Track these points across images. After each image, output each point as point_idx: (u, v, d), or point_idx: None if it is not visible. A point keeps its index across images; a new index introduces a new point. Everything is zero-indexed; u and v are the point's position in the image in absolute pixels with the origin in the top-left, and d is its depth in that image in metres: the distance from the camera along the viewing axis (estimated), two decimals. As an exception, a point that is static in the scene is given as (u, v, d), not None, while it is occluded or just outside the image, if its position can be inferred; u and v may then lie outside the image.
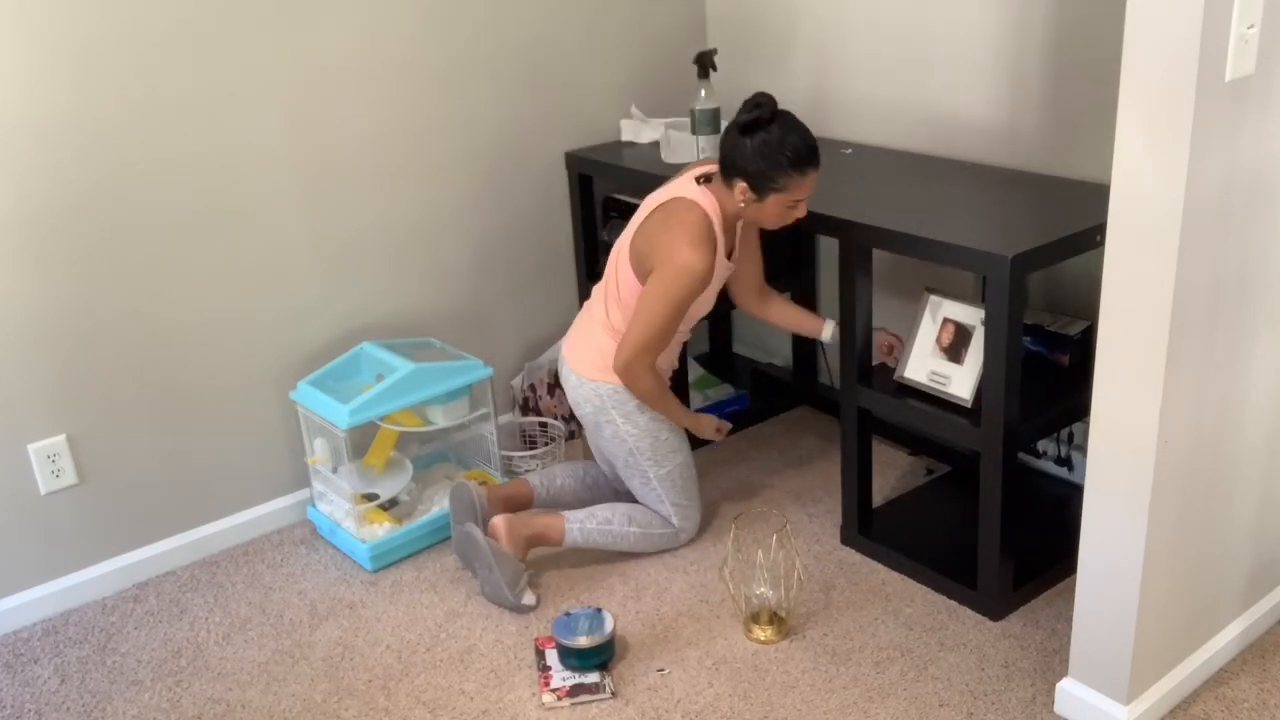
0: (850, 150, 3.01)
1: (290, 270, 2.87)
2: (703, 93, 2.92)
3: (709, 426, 2.80)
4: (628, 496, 2.83)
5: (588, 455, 2.97)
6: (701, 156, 2.91)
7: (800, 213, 2.48)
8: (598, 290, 2.72)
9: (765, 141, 2.39)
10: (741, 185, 2.45)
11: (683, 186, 2.56)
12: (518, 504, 2.76)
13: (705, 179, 2.58)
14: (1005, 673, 2.32)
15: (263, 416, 2.93)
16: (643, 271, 2.55)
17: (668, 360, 2.71)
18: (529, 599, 2.58)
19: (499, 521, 2.59)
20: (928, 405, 2.50)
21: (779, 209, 2.46)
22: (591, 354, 2.65)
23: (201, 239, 2.72)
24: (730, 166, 2.45)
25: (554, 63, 3.18)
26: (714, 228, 2.52)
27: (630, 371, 2.56)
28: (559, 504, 2.80)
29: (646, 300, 2.50)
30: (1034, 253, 2.24)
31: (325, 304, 2.96)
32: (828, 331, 2.77)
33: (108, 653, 2.56)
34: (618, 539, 2.69)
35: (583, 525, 2.66)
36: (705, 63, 2.89)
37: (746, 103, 2.44)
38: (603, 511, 2.69)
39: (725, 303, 3.16)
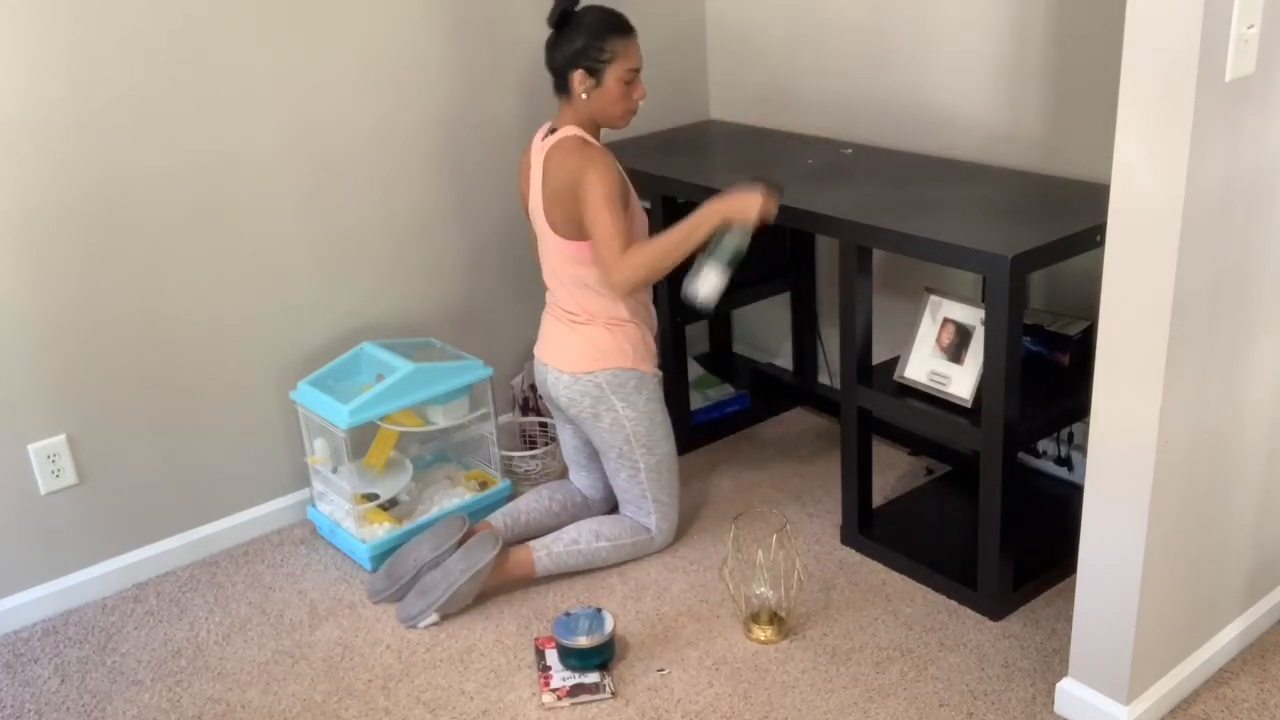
0: (850, 150, 3.01)
1: (290, 270, 2.88)
2: None
3: (752, 194, 2.41)
4: (600, 509, 2.85)
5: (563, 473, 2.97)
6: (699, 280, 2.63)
7: (640, 93, 2.56)
8: (550, 297, 2.71)
9: (579, 21, 2.51)
10: (578, 75, 2.51)
11: (539, 146, 2.61)
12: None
13: (550, 130, 2.62)
14: (1005, 673, 2.32)
15: (263, 416, 2.93)
16: (570, 224, 2.53)
17: (644, 305, 2.69)
18: (431, 619, 2.57)
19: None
20: (928, 405, 2.50)
21: (618, 89, 2.52)
22: (575, 349, 2.63)
23: (201, 239, 2.72)
24: (562, 65, 2.53)
25: (554, 63, 3.18)
26: (590, 138, 2.57)
27: (625, 270, 2.43)
28: (526, 538, 2.75)
29: (591, 216, 2.45)
30: (1034, 253, 2.24)
31: (325, 304, 2.96)
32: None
33: (108, 653, 2.56)
34: (589, 557, 2.68)
35: (549, 550, 2.64)
36: None
37: (550, 12, 2.54)
38: (569, 533, 2.68)
39: (725, 303, 3.17)
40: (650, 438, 2.67)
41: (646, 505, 2.72)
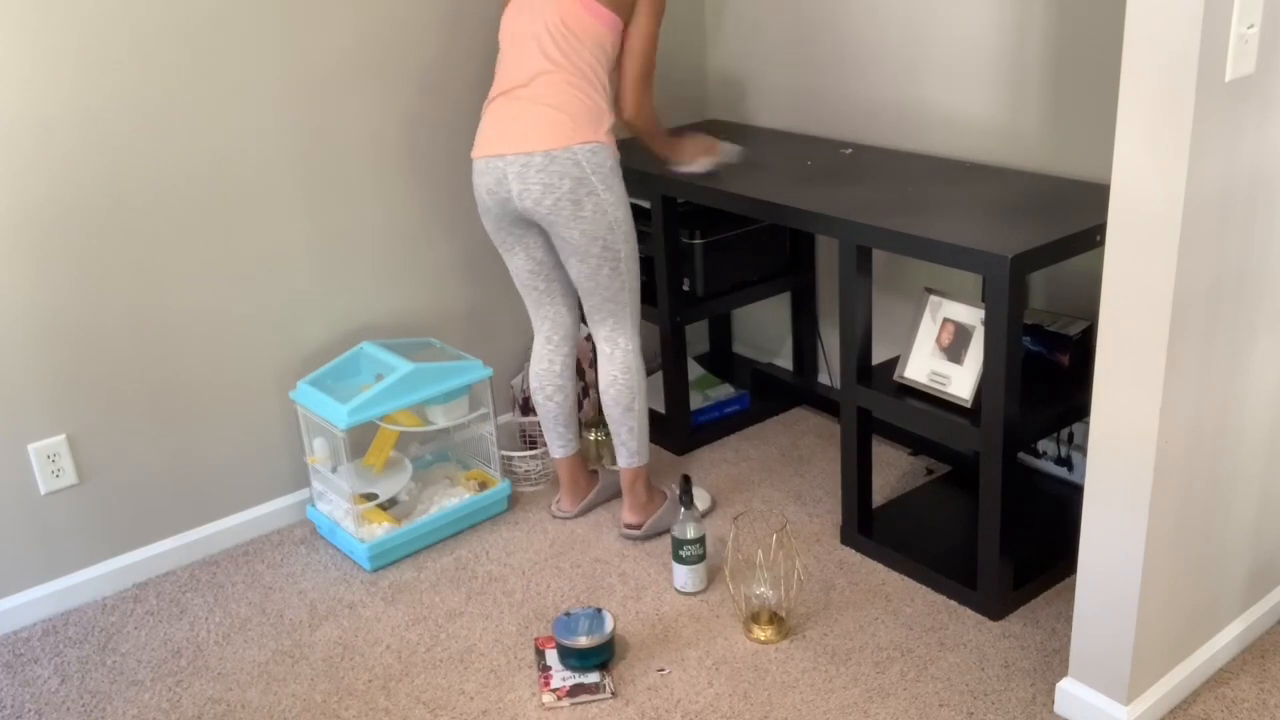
0: (850, 150, 3.01)
1: (290, 270, 2.87)
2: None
3: (697, 147, 2.88)
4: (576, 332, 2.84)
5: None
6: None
7: None
8: (514, 81, 2.50)
9: None
10: None
11: None
12: (581, 475, 2.94)
13: None
14: (1005, 673, 2.32)
15: (262, 416, 2.93)
16: (617, 3, 2.50)
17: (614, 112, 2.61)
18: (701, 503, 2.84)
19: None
20: (928, 405, 2.50)
21: None
22: (553, 125, 2.44)
23: (201, 238, 2.72)
24: None
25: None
26: None
27: (643, 106, 2.59)
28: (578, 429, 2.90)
29: (643, 33, 2.53)
30: (1034, 253, 2.24)
31: (325, 304, 2.96)
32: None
33: (108, 653, 2.56)
34: (643, 415, 2.74)
35: (625, 446, 2.75)
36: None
37: None
38: (625, 419, 2.72)
39: (725, 303, 3.17)
40: (627, 224, 2.57)
41: (623, 298, 2.63)
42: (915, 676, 2.32)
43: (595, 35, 2.49)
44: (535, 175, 2.45)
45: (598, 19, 2.48)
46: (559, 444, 2.87)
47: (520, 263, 2.69)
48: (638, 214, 3.11)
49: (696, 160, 2.87)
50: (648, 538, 2.82)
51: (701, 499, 2.94)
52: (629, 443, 2.75)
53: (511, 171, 2.47)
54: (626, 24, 2.54)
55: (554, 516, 2.96)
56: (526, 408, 3.31)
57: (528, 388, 3.30)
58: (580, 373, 3.32)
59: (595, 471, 3.01)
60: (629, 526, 2.82)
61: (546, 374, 2.82)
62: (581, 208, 2.47)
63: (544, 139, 2.44)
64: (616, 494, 3.01)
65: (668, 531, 2.79)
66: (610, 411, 2.73)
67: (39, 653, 2.57)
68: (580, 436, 2.97)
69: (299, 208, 2.85)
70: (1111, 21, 2.49)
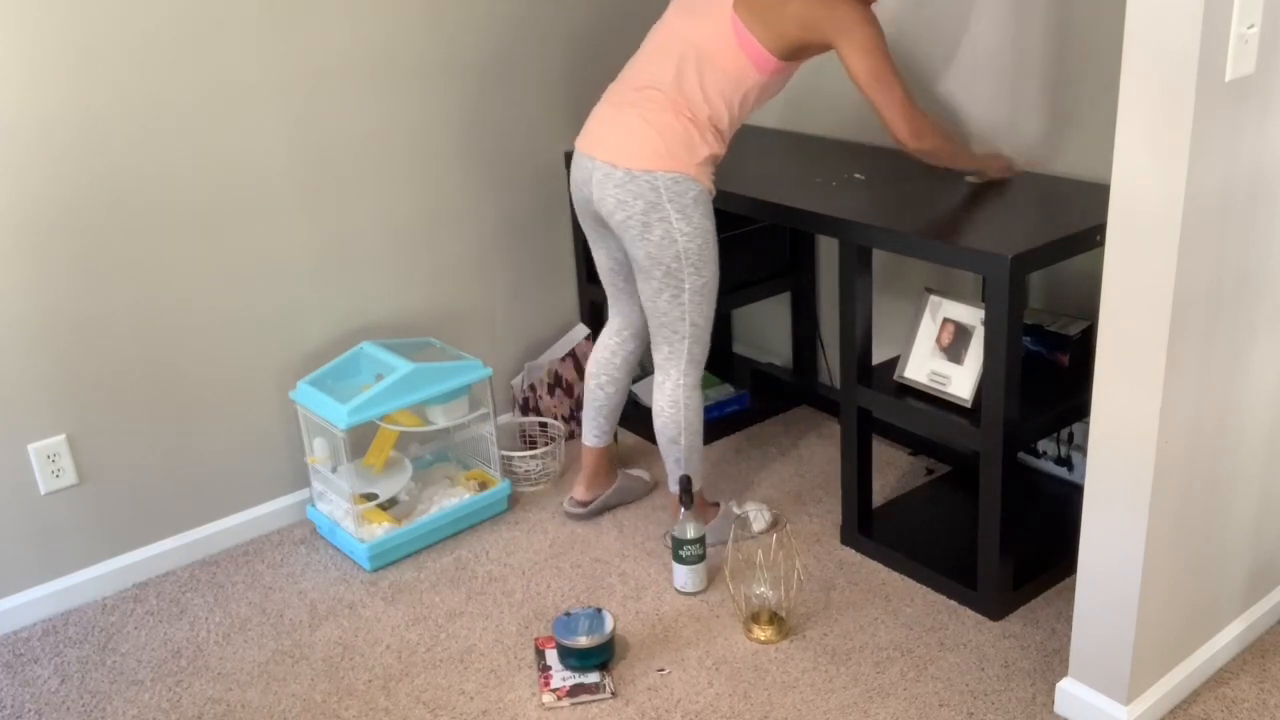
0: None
1: (290, 270, 2.87)
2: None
3: (1000, 165, 2.66)
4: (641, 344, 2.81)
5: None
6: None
7: None
8: (640, 81, 2.47)
9: None
10: None
11: None
12: (605, 468, 2.92)
13: None
14: (1005, 673, 2.32)
15: (262, 416, 2.93)
16: (780, 37, 2.38)
17: (725, 147, 2.52)
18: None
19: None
20: (928, 405, 2.50)
21: None
22: (639, 141, 2.41)
23: (201, 238, 2.72)
24: None
25: (554, 61, 3.18)
26: None
27: (923, 137, 2.43)
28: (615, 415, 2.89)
29: (856, 65, 2.37)
30: (1034, 253, 2.24)
31: (325, 304, 2.96)
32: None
33: (108, 653, 2.56)
34: (693, 448, 2.68)
35: (671, 474, 2.71)
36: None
37: None
38: (671, 450, 2.67)
39: (725, 303, 3.17)
40: (701, 256, 2.48)
41: (682, 329, 2.56)
42: (915, 676, 2.32)
43: (737, 68, 2.40)
44: (613, 189, 2.44)
45: (745, 51, 2.38)
46: (594, 433, 2.87)
47: (603, 258, 2.69)
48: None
49: (990, 175, 2.67)
50: (711, 545, 2.75)
51: (759, 519, 2.86)
52: (674, 471, 2.71)
53: (596, 175, 2.47)
54: (794, 61, 2.44)
55: (565, 512, 2.96)
56: (526, 408, 3.31)
57: (527, 388, 3.31)
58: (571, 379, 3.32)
59: (617, 473, 2.99)
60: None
61: (606, 363, 2.81)
62: (650, 230, 2.44)
63: (631, 156, 2.41)
64: (629, 500, 3.00)
65: (721, 544, 2.77)
66: (659, 439, 2.69)
67: (39, 653, 2.57)
68: (614, 433, 2.95)
69: (299, 207, 2.85)
70: (1111, 21, 2.49)
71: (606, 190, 2.45)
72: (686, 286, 2.50)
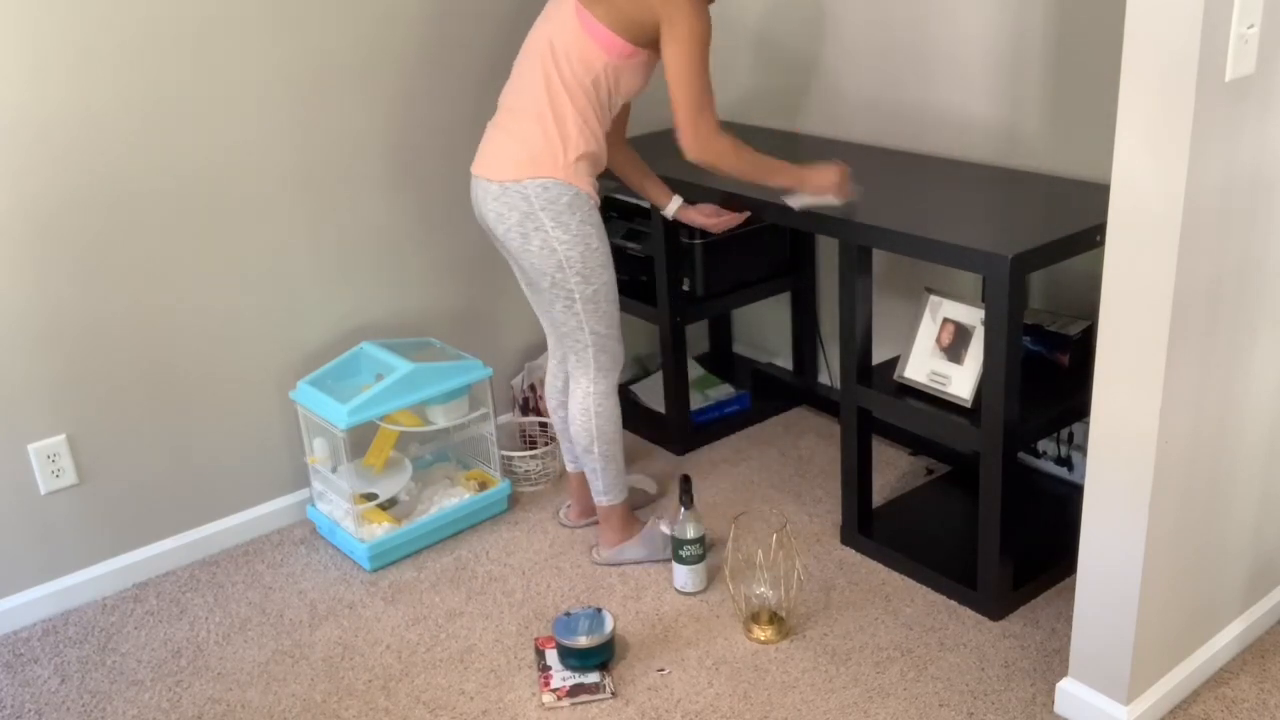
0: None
1: (290, 270, 2.88)
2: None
3: (829, 178, 2.51)
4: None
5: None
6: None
7: None
8: (509, 100, 2.48)
9: None
10: None
11: None
12: (589, 493, 2.86)
13: None
14: (1005, 673, 2.32)
15: (262, 416, 2.93)
16: (625, 19, 2.35)
17: (600, 143, 2.47)
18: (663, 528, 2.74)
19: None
20: (928, 405, 2.50)
21: None
22: (510, 157, 2.42)
23: (201, 238, 2.73)
24: None
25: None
26: None
27: (707, 143, 2.36)
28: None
29: (676, 62, 2.32)
30: (1034, 253, 2.24)
31: (325, 304, 2.96)
32: (672, 206, 2.82)
33: (108, 653, 2.56)
34: (605, 461, 2.66)
35: (591, 483, 2.70)
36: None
37: None
38: (586, 459, 2.67)
39: (725, 303, 3.17)
40: (585, 265, 2.47)
41: (584, 338, 2.55)
42: (915, 676, 2.32)
43: (586, 53, 2.37)
44: (492, 202, 2.46)
45: (594, 38, 2.36)
46: (570, 458, 2.86)
47: (518, 274, 2.69)
48: (637, 213, 3.13)
49: (824, 195, 2.53)
50: (613, 565, 2.76)
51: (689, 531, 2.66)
52: (594, 481, 2.69)
53: (477, 193, 2.51)
54: (645, 49, 2.40)
55: (560, 523, 2.96)
56: (526, 408, 3.31)
57: (527, 388, 3.31)
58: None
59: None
60: (598, 551, 2.78)
61: (552, 388, 2.82)
62: (529, 240, 2.44)
63: (502, 169, 2.43)
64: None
65: (636, 563, 2.74)
66: (575, 448, 2.70)
67: (39, 653, 2.57)
68: None
69: (299, 208, 2.85)
70: (1111, 21, 2.49)
71: (487, 205, 2.48)
72: (577, 296, 2.50)
